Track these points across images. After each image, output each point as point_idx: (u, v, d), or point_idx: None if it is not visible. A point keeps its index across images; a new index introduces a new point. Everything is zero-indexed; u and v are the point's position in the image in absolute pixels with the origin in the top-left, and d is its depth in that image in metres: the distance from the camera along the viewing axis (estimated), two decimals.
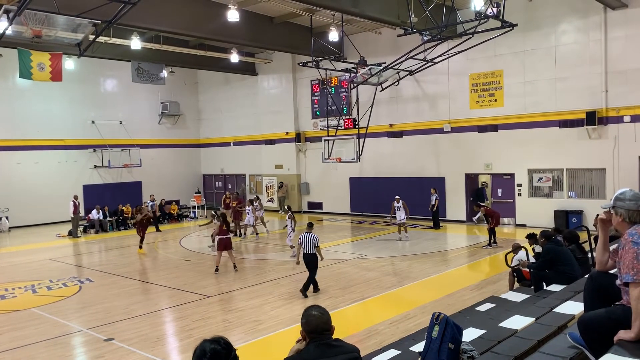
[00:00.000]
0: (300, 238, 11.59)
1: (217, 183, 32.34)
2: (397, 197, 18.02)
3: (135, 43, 20.71)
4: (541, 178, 19.74)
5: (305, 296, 11.12)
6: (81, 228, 22.55)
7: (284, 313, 10.10)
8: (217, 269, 13.90)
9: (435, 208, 20.11)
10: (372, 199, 24.19)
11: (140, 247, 17.64)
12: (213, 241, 16.71)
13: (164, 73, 25.30)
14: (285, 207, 19.29)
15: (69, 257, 17.73)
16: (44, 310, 10.86)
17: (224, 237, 14.04)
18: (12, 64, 18.42)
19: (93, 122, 27.23)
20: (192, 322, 9.70)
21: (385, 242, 17.88)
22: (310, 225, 11.95)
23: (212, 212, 16.88)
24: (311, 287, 11.40)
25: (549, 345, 4.12)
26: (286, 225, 16.70)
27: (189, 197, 29.19)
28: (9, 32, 13.30)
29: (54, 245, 19.83)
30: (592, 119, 17.93)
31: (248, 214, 20.06)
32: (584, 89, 18.32)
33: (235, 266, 14.12)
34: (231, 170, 31.24)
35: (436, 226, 20.33)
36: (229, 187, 30.98)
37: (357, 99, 22.90)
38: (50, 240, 21.00)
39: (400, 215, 17.68)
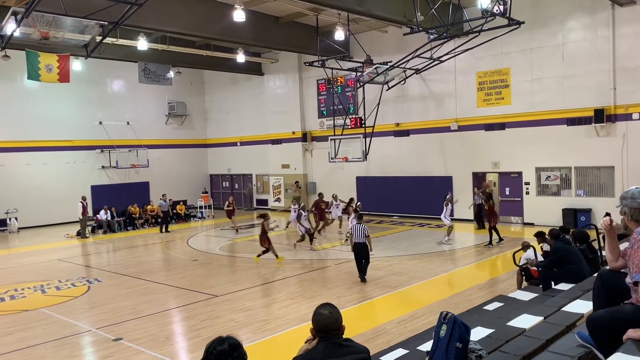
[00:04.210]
0: (350, 228, 12.56)
1: (224, 183, 32.41)
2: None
3: (142, 44, 20.79)
4: (549, 176, 19.63)
5: (364, 280, 12.07)
6: (89, 228, 22.68)
7: (292, 312, 10.10)
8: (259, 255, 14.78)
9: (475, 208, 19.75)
10: (378, 198, 24.16)
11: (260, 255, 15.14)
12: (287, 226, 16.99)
13: (171, 74, 25.37)
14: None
15: (78, 257, 17.83)
16: (53, 310, 10.93)
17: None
18: (20, 65, 18.52)
19: (100, 123, 27.39)
20: (200, 322, 9.73)
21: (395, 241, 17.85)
22: (360, 217, 12.82)
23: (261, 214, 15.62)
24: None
25: (557, 345, 4.10)
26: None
27: (197, 197, 29.27)
28: (17, 34, 13.42)
29: (63, 246, 19.95)
30: (601, 116, 17.81)
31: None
32: (591, 87, 18.20)
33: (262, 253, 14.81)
34: (238, 170, 31.31)
35: (481, 226, 19.60)
36: (236, 187, 31.04)
37: (364, 98, 22.87)
38: (59, 241, 21.13)
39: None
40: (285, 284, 12.55)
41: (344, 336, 3.40)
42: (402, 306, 10.32)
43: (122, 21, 13.44)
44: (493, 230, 16.11)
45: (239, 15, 17.08)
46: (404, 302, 10.71)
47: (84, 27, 13.57)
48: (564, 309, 5.51)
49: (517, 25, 15.87)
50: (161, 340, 8.86)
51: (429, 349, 4.45)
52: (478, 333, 5.15)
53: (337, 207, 20.21)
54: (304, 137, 27.18)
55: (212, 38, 21.52)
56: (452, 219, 17.50)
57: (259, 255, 14.78)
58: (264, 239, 14.60)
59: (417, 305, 10.24)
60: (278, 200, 28.77)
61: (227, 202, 22.85)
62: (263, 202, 29.77)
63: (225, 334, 2.84)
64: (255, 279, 13.09)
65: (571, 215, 18.55)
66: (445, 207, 17.19)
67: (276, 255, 14.66)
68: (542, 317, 5.42)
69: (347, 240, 17.22)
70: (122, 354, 8.25)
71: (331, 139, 22.87)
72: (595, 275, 4.63)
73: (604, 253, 9.12)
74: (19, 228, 24.03)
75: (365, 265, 12.28)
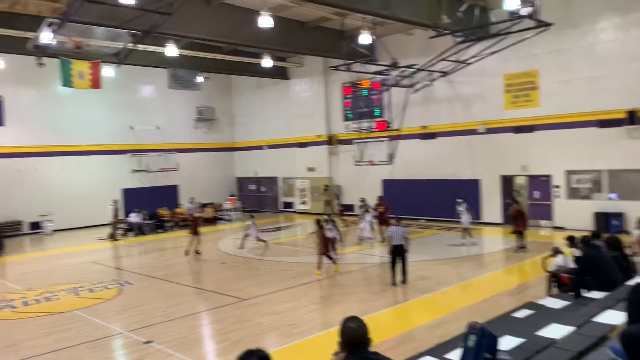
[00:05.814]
0: (390, 230, 12.61)
1: (250, 186, 32.72)
2: (458, 200, 17.37)
3: (171, 50, 21.13)
4: (580, 179, 19.25)
5: (395, 284, 12.10)
6: (121, 231, 23.15)
7: (318, 317, 10.17)
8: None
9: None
10: (405, 201, 24.01)
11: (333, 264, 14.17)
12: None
13: (199, 79, 25.75)
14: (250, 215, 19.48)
15: (110, 259, 18.24)
16: (86, 312, 11.21)
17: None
18: (55, 72, 19.02)
19: (132, 127, 27.96)
20: (229, 325, 9.86)
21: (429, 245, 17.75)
22: (399, 219, 12.96)
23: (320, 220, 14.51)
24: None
25: (589, 358, 4.05)
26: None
27: (224, 200, 29.62)
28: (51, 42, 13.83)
29: (95, 248, 20.41)
30: (633, 118, 17.40)
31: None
32: (623, 88, 17.78)
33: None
34: (264, 173, 31.54)
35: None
36: (262, 189, 31.17)
37: (390, 101, 22.80)
38: (92, 243, 21.60)
39: (464, 219, 17.03)
40: (312, 288, 12.62)
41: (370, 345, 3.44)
42: (430, 312, 10.28)
43: (152, 30, 13.73)
44: (517, 235, 15.72)
45: (265, 22, 17.23)
46: (431, 308, 10.66)
47: (115, 36, 13.92)
48: (596, 319, 5.44)
49: (546, 27, 15.64)
50: (191, 343, 9.02)
51: (457, 358, 4.46)
52: (507, 342, 5.12)
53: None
54: (330, 140, 27.25)
55: (239, 44, 21.78)
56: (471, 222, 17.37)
57: (335, 264, 13.92)
58: (324, 244, 13.79)
59: (444, 311, 10.17)
60: (304, 203, 28.89)
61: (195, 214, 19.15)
62: (289, 205, 29.93)
63: (255, 347, 2.92)
64: (282, 283, 13.17)
65: (603, 219, 18.15)
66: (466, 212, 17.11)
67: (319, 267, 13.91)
68: (574, 328, 5.35)
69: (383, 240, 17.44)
70: (153, 356, 8.43)
71: (357, 142, 22.86)
72: (628, 283, 4.56)
73: (636, 259, 8.94)
74: (54, 230, 24.70)
75: (404, 267, 12.25)
